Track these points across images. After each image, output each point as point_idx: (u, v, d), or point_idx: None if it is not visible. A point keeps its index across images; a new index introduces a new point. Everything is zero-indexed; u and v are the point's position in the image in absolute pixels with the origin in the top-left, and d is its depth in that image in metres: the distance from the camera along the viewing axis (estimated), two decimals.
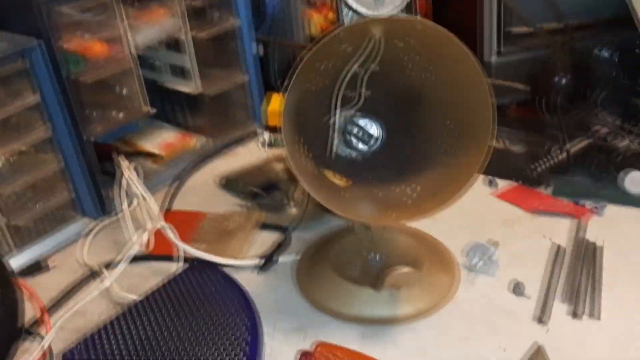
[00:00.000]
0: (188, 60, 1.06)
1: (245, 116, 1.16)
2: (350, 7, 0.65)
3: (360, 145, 0.77)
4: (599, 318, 0.68)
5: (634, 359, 0.62)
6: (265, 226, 0.90)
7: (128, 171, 0.92)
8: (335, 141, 0.74)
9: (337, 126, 0.73)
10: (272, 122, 1.08)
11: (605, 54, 0.99)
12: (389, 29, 0.63)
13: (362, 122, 0.76)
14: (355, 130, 0.76)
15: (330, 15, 1.19)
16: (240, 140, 1.14)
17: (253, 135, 1.15)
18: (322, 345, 0.65)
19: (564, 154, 0.91)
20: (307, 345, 0.67)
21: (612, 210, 0.86)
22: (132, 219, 0.89)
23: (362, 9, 0.65)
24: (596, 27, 1.03)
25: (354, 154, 0.77)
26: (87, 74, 0.90)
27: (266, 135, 1.13)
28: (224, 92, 1.12)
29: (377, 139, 0.76)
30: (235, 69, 1.12)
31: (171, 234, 0.84)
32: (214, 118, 1.13)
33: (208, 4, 1.06)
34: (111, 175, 0.95)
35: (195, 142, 1.12)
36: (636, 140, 0.90)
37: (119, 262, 0.82)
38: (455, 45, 0.62)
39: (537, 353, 0.63)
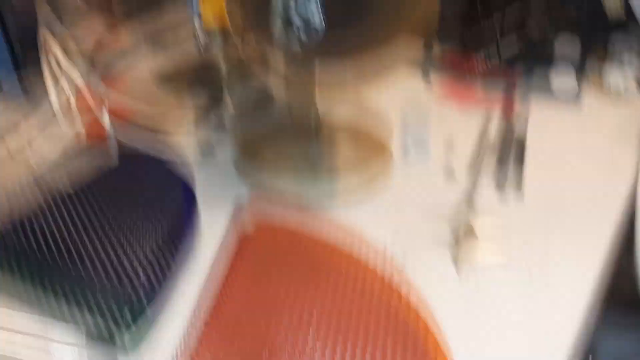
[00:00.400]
0: None
1: (182, 16, 1.12)
2: None
3: (303, 37, 0.76)
4: (522, 195, 0.73)
5: (552, 224, 0.69)
6: (203, 124, 0.89)
7: (55, 51, 0.86)
8: (277, 30, 0.73)
9: (278, 14, 0.71)
10: (209, 22, 1.05)
11: None
12: None
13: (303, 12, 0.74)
14: (297, 21, 0.75)
15: None
16: (175, 41, 1.10)
17: (189, 36, 1.12)
18: (259, 226, 0.66)
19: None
20: (247, 229, 0.68)
21: (537, 106, 0.91)
22: (63, 112, 0.85)
23: None
24: None
25: (296, 45, 0.76)
26: None
27: (203, 36, 1.09)
28: None
29: (318, 30, 0.76)
30: None
31: (106, 122, 0.81)
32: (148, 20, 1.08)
33: None
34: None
35: (126, 41, 1.07)
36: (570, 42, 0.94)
37: (51, 156, 0.79)
38: None
39: (468, 228, 0.67)
